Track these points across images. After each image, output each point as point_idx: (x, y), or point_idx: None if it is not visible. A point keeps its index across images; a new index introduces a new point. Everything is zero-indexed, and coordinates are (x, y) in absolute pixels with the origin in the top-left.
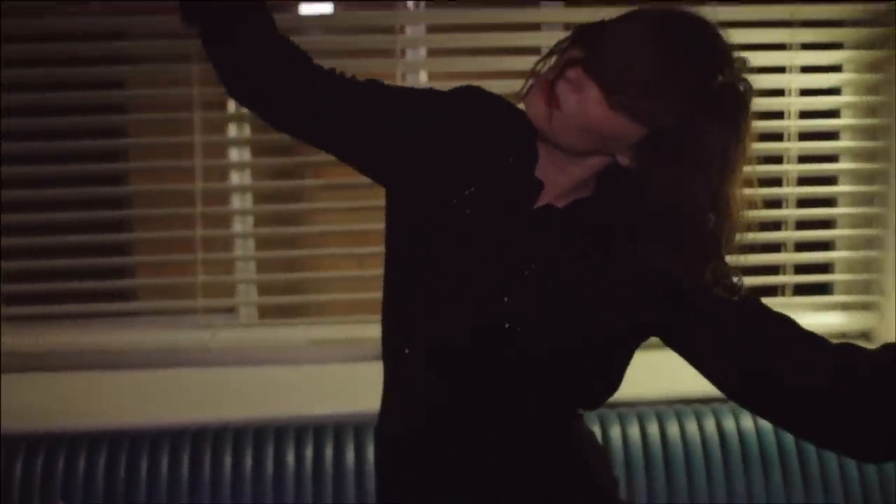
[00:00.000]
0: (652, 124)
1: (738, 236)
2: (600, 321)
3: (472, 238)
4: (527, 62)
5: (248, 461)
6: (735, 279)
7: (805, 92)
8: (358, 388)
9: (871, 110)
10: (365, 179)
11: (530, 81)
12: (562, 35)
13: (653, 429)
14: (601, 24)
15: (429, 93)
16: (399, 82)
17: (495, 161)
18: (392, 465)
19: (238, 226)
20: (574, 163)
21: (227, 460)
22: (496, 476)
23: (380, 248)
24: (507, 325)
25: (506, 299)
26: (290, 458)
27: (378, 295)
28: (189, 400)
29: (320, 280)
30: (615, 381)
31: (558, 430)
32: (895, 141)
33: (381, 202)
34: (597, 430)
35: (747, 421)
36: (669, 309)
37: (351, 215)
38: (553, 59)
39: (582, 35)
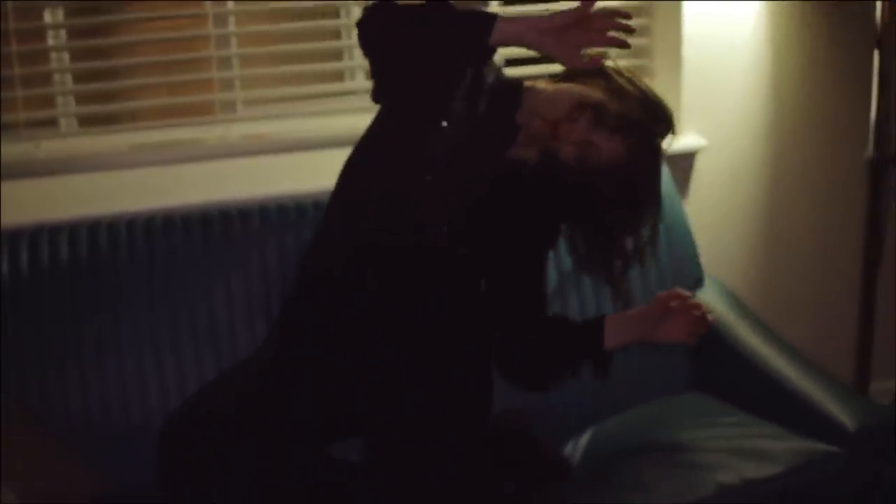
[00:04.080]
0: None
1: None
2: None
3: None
4: None
5: (84, 252)
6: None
7: None
8: (177, 187)
9: None
10: None
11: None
12: None
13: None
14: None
15: None
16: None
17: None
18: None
19: (52, 40)
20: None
21: (64, 254)
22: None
23: (188, 55)
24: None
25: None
26: (124, 251)
27: (188, 100)
28: (20, 208)
29: (134, 88)
30: None
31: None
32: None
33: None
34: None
35: None
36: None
37: (158, 24)
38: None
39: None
